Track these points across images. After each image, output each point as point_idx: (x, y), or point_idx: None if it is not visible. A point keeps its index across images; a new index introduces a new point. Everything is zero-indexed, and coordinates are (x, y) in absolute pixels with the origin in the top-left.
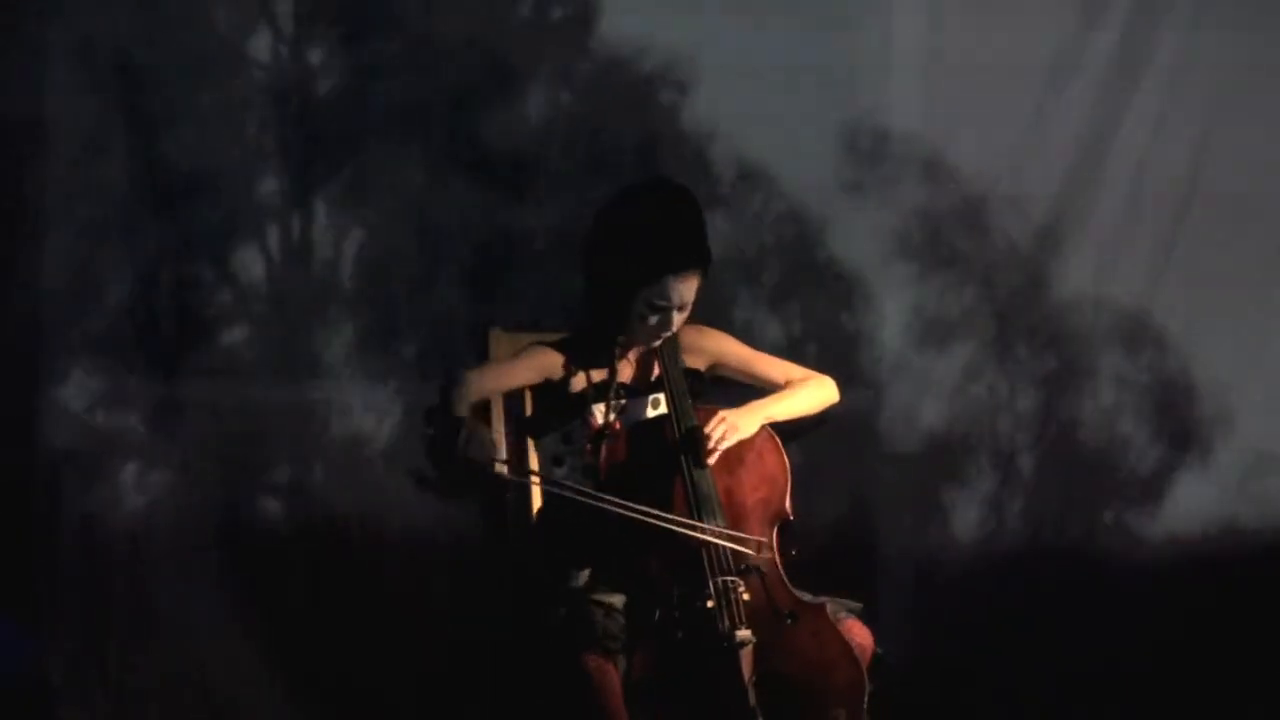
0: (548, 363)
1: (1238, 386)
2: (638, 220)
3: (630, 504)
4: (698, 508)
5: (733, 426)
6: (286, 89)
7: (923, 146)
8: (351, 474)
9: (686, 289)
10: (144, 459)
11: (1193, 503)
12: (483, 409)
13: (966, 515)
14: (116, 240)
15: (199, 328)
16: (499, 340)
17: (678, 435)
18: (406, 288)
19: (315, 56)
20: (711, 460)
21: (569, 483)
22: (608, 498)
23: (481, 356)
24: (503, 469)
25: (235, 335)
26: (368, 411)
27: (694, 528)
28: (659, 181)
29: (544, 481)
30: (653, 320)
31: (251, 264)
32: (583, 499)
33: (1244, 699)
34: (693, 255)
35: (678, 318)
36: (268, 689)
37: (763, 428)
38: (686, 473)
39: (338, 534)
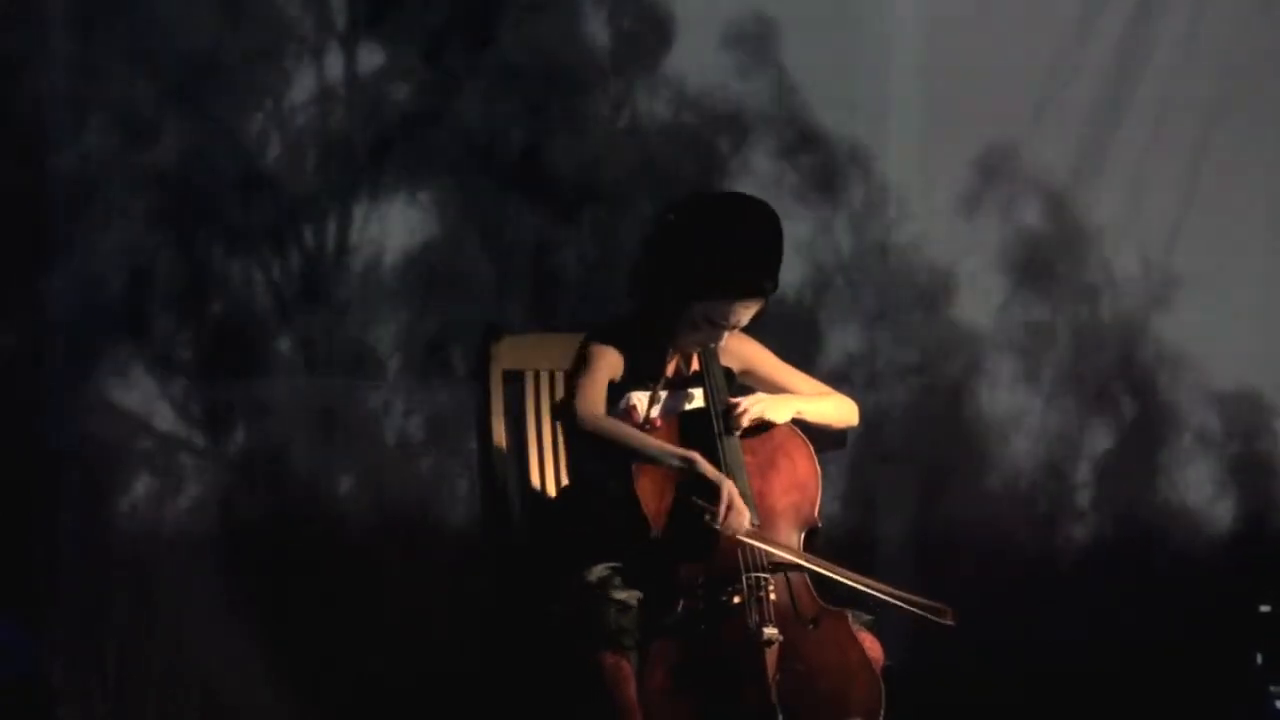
0: (613, 362)
1: None
2: (718, 239)
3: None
4: None
5: (762, 400)
6: (349, 88)
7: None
8: (353, 473)
9: (749, 313)
10: (145, 458)
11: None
12: None
13: (988, 527)
14: (117, 235)
15: (201, 325)
16: (499, 340)
17: (712, 410)
18: (448, 292)
19: (380, 58)
20: (745, 422)
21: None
22: (819, 560)
23: (484, 357)
24: (754, 540)
25: (239, 334)
26: (372, 412)
27: (874, 587)
28: (747, 201)
29: (801, 558)
30: (706, 334)
31: (255, 264)
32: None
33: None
34: (765, 284)
35: (728, 335)
36: (268, 689)
37: (797, 435)
38: (724, 470)
39: (339, 533)
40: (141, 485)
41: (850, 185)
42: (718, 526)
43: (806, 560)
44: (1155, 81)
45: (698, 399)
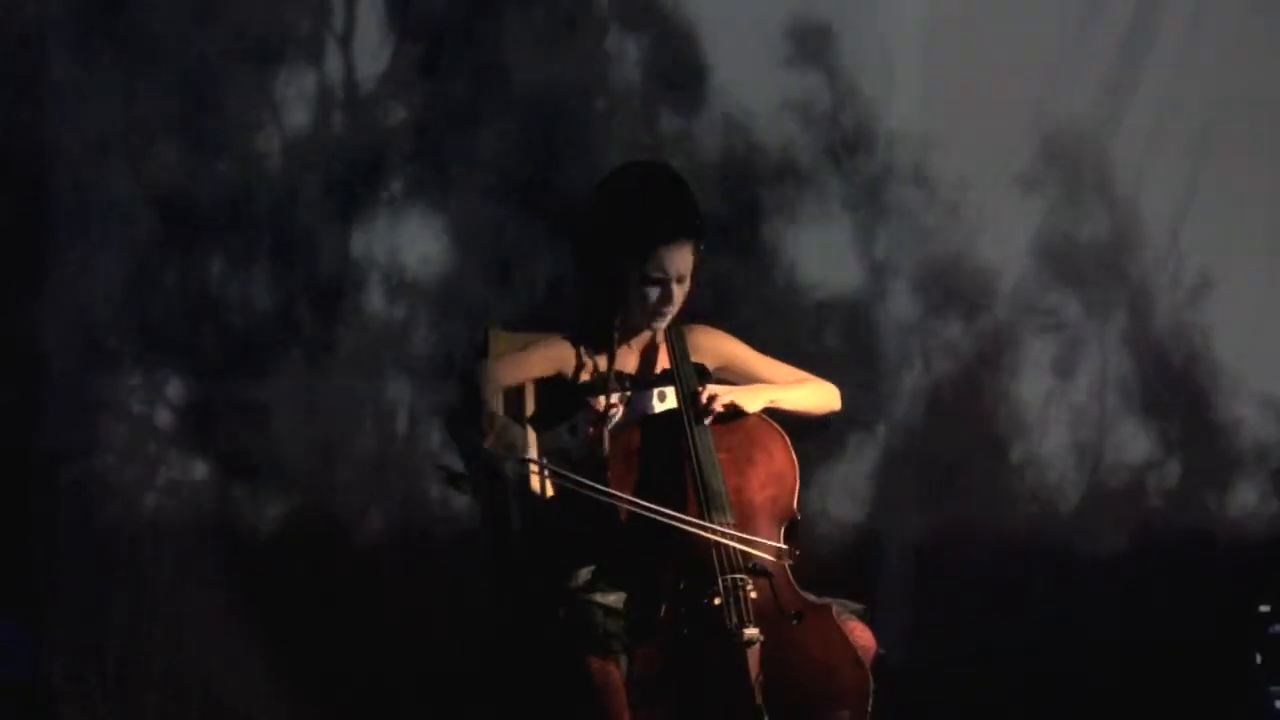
0: (560, 355)
1: None
2: (624, 195)
3: (643, 502)
4: (708, 504)
5: (733, 390)
6: (348, 95)
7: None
8: (353, 475)
9: (681, 258)
10: (145, 459)
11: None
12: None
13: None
14: (119, 238)
15: (203, 327)
16: (498, 339)
17: (680, 393)
18: (450, 295)
19: (381, 66)
20: (717, 407)
21: (595, 484)
22: (624, 496)
23: (480, 353)
24: (526, 465)
25: (241, 336)
26: (371, 414)
27: (705, 528)
28: (642, 161)
29: (559, 475)
30: (652, 295)
31: (256, 268)
32: (599, 495)
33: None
34: (682, 224)
35: (677, 291)
36: (268, 689)
37: (773, 427)
38: (696, 470)
39: (339, 534)
40: (142, 486)
41: (887, 189)
42: (486, 446)
43: (648, 509)
44: (1155, 81)
45: (670, 398)
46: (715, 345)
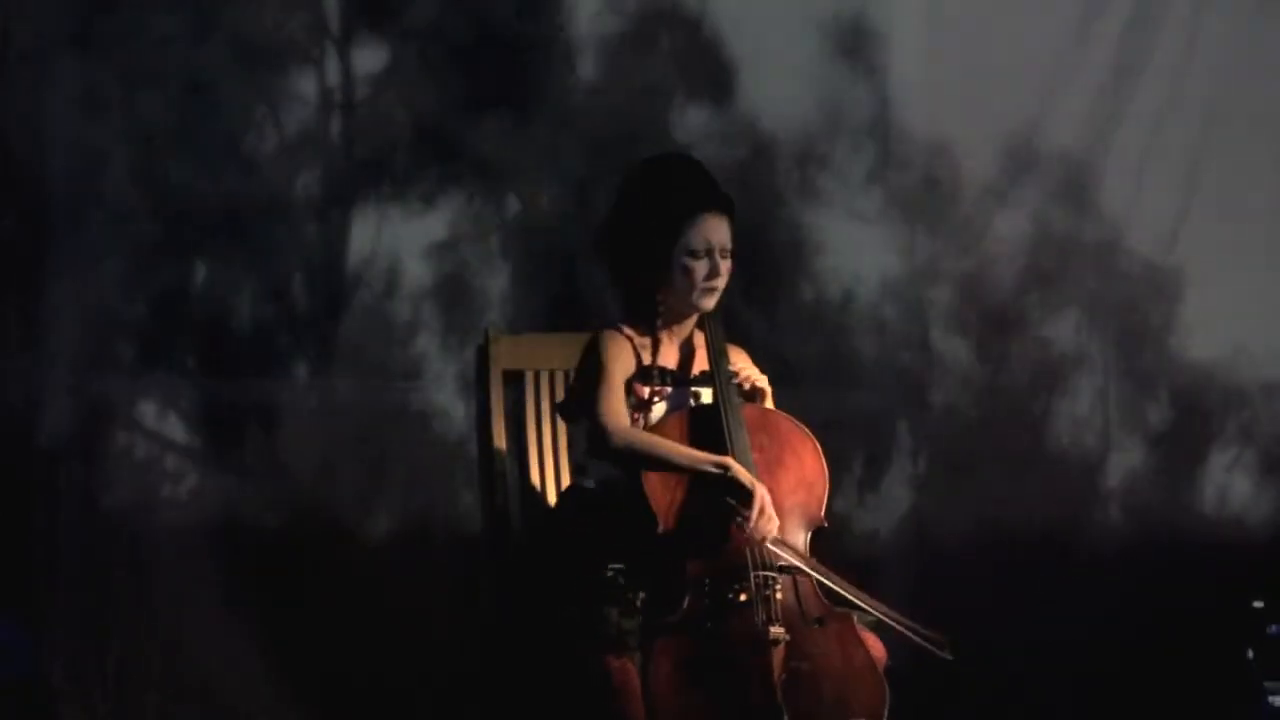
0: (626, 361)
1: None
2: (658, 175)
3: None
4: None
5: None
6: (356, 99)
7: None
8: (354, 474)
9: (722, 229)
10: (146, 459)
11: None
12: None
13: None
14: (119, 239)
15: (203, 328)
16: (498, 341)
17: (716, 376)
18: (452, 295)
19: (378, 66)
20: (748, 385)
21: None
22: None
23: (483, 358)
24: (780, 551)
25: (240, 337)
26: (372, 414)
27: (877, 608)
28: (662, 153)
29: (812, 568)
30: (700, 270)
31: (257, 267)
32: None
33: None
34: (715, 196)
35: (724, 265)
36: (268, 689)
37: (806, 433)
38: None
39: (339, 533)
40: (142, 486)
41: (887, 194)
42: (748, 531)
43: (819, 571)
44: (1155, 83)
45: (705, 399)
46: (740, 364)
